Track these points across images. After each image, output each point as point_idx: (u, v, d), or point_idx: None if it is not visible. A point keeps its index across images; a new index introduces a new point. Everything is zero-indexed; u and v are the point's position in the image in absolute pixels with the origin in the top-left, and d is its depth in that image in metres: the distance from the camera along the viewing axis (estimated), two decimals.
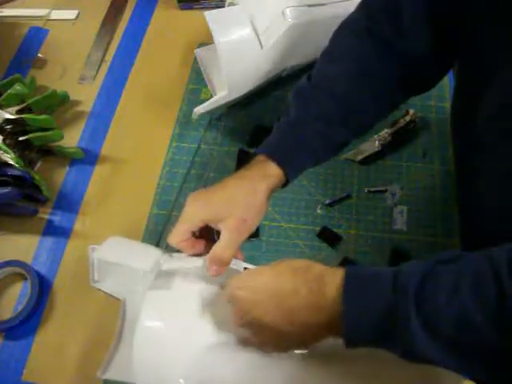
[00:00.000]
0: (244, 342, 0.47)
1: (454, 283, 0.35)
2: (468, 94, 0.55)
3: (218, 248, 0.48)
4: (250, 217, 0.49)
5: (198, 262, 0.49)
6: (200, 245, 0.51)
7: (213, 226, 0.49)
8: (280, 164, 0.51)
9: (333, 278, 0.39)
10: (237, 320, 0.45)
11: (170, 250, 0.63)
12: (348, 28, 0.55)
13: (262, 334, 0.45)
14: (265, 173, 0.51)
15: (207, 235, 0.51)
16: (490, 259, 0.35)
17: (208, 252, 0.49)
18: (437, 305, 0.35)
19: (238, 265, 0.50)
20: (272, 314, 0.42)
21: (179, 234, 0.49)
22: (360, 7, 0.55)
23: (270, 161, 0.51)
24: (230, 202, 0.49)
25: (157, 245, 0.64)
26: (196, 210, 0.49)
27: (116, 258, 0.53)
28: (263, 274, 0.45)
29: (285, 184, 0.53)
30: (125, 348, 0.53)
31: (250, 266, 0.51)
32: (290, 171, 0.52)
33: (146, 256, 0.51)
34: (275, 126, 0.54)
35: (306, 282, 0.41)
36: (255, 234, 0.64)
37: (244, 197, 0.49)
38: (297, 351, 0.47)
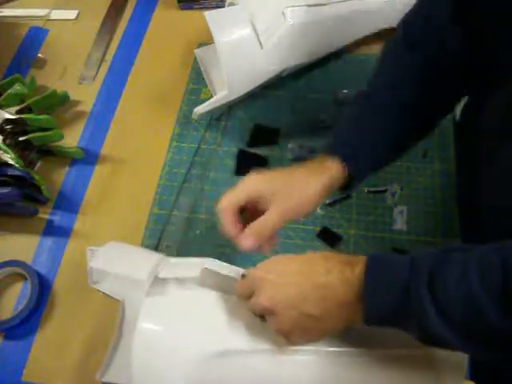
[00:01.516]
0: (270, 331, 0.46)
1: (463, 267, 0.37)
2: (475, 95, 0.55)
3: (263, 221, 0.49)
4: (300, 206, 0.50)
5: (195, 271, 0.49)
6: (239, 226, 0.50)
7: (262, 203, 0.49)
8: (341, 158, 0.51)
9: (360, 261, 0.42)
10: (264, 304, 0.44)
11: (170, 249, 0.64)
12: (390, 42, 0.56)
13: (289, 319, 0.43)
14: (324, 168, 0.51)
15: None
16: (498, 248, 0.37)
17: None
18: (446, 286, 0.37)
19: (236, 272, 0.50)
20: (304, 293, 0.42)
21: (231, 198, 0.50)
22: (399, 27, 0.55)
23: (330, 156, 0.51)
24: (285, 185, 0.50)
25: (157, 244, 0.64)
26: (255, 181, 0.50)
27: (112, 268, 0.53)
28: (293, 259, 0.46)
29: (349, 184, 0.53)
30: (123, 350, 0.53)
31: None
32: (351, 166, 0.51)
33: (144, 264, 0.51)
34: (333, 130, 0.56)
35: (337, 264, 0.43)
36: None
37: (300, 185, 0.50)
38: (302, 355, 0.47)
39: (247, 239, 0.49)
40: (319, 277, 0.43)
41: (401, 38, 0.54)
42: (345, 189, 0.54)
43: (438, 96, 0.54)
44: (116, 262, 0.53)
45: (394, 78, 0.54)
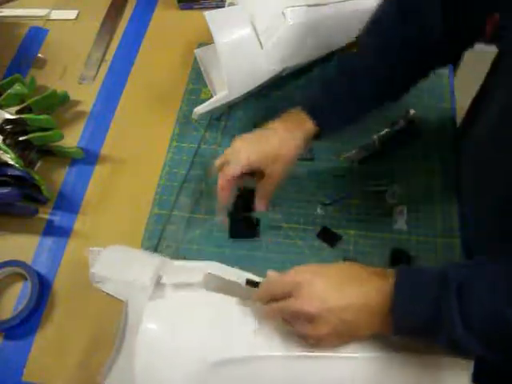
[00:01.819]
0: (300, 338, 0.47)
1: (491, 281, 0.39)
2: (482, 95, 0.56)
3: (264, 186, 0.58)
4: (291, 163, 0.58)
5: (199, 276, 0.49)
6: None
7: (262, 168, 0.56)
8: (313, 116, 0.57)
9: (391, 273, 0.44)
10: (306, 309, 0.44)
11: (170, 249, 0.64)
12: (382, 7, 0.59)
13: (328, 325, 0.44)
14: (300, 124, 0.58)
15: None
16: None
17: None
18: (475, 300, 0.39)
19: (239, 275, 0.50)
20: (346, 301, 0.44)
21: (227, 175, 0.56)
22: None
23: (304, 113, 0.58)
24: (276, 149, 0.56)
25: (157, 244, 0.64)
26: (245, 153, 0.56)
27: (114, 274, 0.53)
28: (330, 268, 0.47)
29: (318, 135, 0.59)
30: (126, 353, 0.53)
31: (253, 277, 0.51)
32: (324, 124, 0.58)
33: (146, 269, 0.51)
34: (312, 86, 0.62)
35: (372, 274, 0.45)
36: (255, 234, 0.64)
37: (287, 148, 0.57)
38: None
39: (259, 205, 0.59)
40: (359, 286, 0.44)
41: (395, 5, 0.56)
42: (317, 138, 0.60)
43: (417, 65, 0.57)
44: (117, 267, 0.53)
45: (383, 42, 0.57)
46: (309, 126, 0.57)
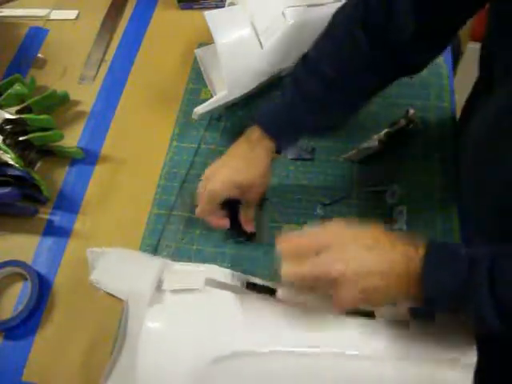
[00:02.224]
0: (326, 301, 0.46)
1: None
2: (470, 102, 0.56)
3: (245, 212, 0.61)
4: (263, 182, 0.60)
5: (199, 280, 0.49)
6: (224, 220, 0.62)
7: (238, 196, 0.59)
8: (273, 138, 0.59)
9: (421, 243, 0.44)
10: (337, 267, 0.43)
11: (170, 249, 0.64)
12: (343, 12, 0.58)
13: (355, 287, 0.44)
14: (263, 145, 0.59)
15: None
16: None
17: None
18: (505, 280, 0.39)
19: (239, 278, 0.50)
20: (371, 266, 0.44)
21: (206, 210, 0.60)
22: None
23: (265, 134, 0.59)
24: (250, 177, 0.58)
25: (157, 244, 0.64)
26: (220, 188, 0.58)
27: (114, 280, 0.53)
28: (358, 232, 0.47)
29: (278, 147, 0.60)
30: (128, 354, 0.53)
31: (253, 280, 0.51)
32: (282, 144, 0.60)
33: (146, 273, 0.51)
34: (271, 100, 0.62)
35: (400, 242, 0.45)
36: (252, 239, 0.64)
37: (255, 166, 0.58)
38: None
39: (247, 227, 0.62)
40: (386, 253, 0.44)
41: (358, 15, 0.55)
42: (279, 151, 0.61)
43: (374, 79, 0.58)
44: (117, 272, 0.53)
45: (337, 51, 0.57)
46: (266, 142, 0.59)
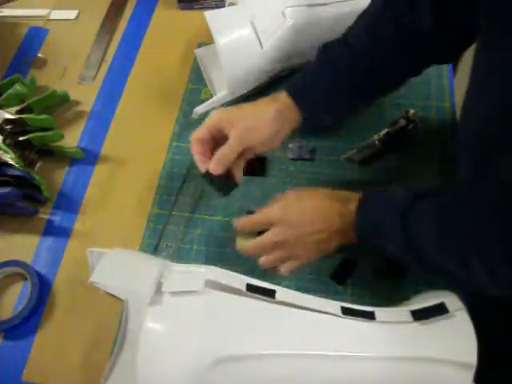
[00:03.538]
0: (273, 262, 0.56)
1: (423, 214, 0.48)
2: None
3: (222, 148, 0.56)
4: (255, 129, 0.57)
5: (199, 282, 0.49)
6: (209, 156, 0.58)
7: (225, 131, 0.56)
8: (290, 94, 0.59)
9: (354, 199, 0.54)
10: (275, 237, 0.54)
11: (170, 249, 0.64)
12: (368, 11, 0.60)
13: (293, 246, 0.55)
14: (275, 98, 0.59)
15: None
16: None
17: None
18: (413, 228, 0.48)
19: (239, 279, 0.50)
20: (314, 225, 0.54)
21: (197, 132, 0.57)
22: None
23: (282, 91, 0.59)
24: (242, 113, 0.58)
25: (157, 244, 0.64)
26: (215, 115, 0.57)
27: (114, 282, 0.53)
28: (303, 197, 0.56)
29: (304, 122, 0.60)
30: (127, 355, 0.53)
31: (253, 281, 0.51)
32: (300, 101, 0.59)
33: (146, 275, 0.51)
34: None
35: (336, 203, 0.55)
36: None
37: (254, 111, 0.58)
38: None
39: (214, 165, 0.55)
40: (324, 214, 0.55)
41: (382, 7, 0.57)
42: (304, 127, 0.61)
43: (410, 55, 0.58)
44: (117, 275, 0.53)
45: (372, 30, 0.58)
46: (293, 111, 0.58)
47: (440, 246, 0.46)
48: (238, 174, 0.59)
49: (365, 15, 0.60)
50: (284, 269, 0.56)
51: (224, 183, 0.59)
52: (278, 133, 0.58)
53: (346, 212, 0.54)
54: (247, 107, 0.58)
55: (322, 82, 0.59)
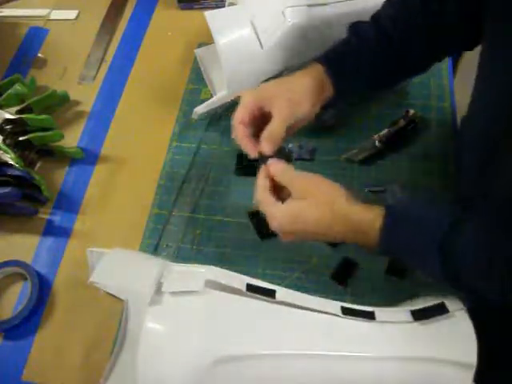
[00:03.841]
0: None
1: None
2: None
3: (270, 126, 0.53)
4: (298, 102, 0.55)
5: (199, 282, 0.49)
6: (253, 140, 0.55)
7: (266, 109, 0.54)
8: (324, 66, 0.58)
9: (373, 229, 0.49)
10: (289, 228, 0.51)
11: (170, 249, 0.64)
12: None
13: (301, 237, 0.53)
14: (308, 71, 0.58)
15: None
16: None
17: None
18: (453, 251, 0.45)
19: (239, 279, 0.50)
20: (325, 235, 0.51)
21: (237, 115, 0.54)
22: None
23: (313, 64, 0.59)
24: (280, 88, 0.56)
25: (157, 244, 0.64)
26: (251, 94, 0.55)
27: (114, 282, 0.53)
28: (307, 215, 0.50)
29: (336, 94, 0.58)
30: (127, 355, 0.53)
31: (253, 281, 0.51)
32: (333, 73, 0.58)
33: (146, 275, 0.51)
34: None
35: (349, 232, 0.50)
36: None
37: (292, 85, 0.56)
38: None
39: (264, 145, 0.53)
40: (342, 226, 0.50)
41: None
42: (334, 100, 0.59)
43: (435, 44, 0.58)
44: (117, 275, 0.53)
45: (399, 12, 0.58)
46: (319, 68, 0.57)
47: (481, 274, 0.44)
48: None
49: None
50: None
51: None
52: (315, 106, 0.57)
53: (365, 230, 0.49)
54: (283, 82, 0.57)
55: (351, 57, 0.58)
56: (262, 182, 0.53)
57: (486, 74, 0.51)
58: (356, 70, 0.59)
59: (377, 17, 0.60)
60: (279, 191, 0.53)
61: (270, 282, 0.51)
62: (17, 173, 0.66)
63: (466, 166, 0.59)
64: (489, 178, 0.52)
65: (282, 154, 0.57)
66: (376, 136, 0.68)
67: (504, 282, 0.43)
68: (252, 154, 0.54)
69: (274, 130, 0.53)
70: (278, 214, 0.51)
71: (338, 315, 0.49)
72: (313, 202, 0.50)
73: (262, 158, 0.53)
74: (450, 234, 0.45)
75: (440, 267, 0.45)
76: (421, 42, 0.58)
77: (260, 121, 0.55)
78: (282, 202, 0.51)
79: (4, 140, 0.68)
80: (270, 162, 0.53)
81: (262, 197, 0.52)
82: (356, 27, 0.60)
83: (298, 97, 0.55)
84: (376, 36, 0.58)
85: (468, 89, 0.64)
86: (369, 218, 0.49)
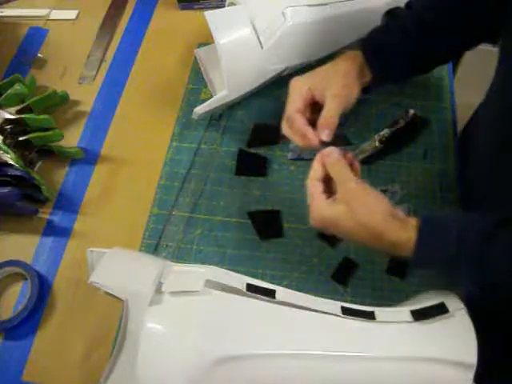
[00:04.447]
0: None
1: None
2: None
3: (326, 112, 0.54)
4: (348, 87, 0.56)
5: (200, 282, 0.49)
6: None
7: (318, 97, 0.55)
8: (364, 51, 0.59)
9: (412, 229, 0.47)
10: (335, 221, 0.50)
11: (170, 249, 0.64)
12: None
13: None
14: (349, 56, 0.59)
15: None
16: None
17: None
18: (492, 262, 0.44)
19: (239, 280, 0.50)
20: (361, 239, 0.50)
21: (292, 107, 0.55)
22: None
23: (366, 62, 0.59)
24: (327, 75, 0.56)
25: (157, 244, 0.64)
26: (301, 84, 0.56)
27: (113, 282, 0.53)
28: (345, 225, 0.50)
29: (373, 79, 0.59)
30: (127, 355, 0.53)
31: (253, 281, 0.51)
32: (369, 55, 0.59)
33: (146, 275, 0.51)
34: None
35: (392, 231, 0.48)
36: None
37: (337, 72, 0.57)
38: None
39: (323, 134, 0.54)
40: (376, 241, 0.49)
41: None
42: (371, 86, 0.60)
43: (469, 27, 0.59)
44: (117, 275, 0.53)
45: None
46: (358, 53, 0.58)
47: None
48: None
49: None
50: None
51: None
52: (358, 92, 0.58)
53: (402, 244, 0.48)
54: (327, 69, 0.58)
55: (389, 42, 0.59)
56: (315, 168, 0.52)
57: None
58: (394, 56, 0.59)
59: (413, 3, 0.60)
60: (329, 181, 0.52)
61: (270, 282, 0.51)
62: (17, 173, 0.66)
63: (483, 142, 0.59)
64: (506, 165, 0.52)
65: (339, 139, 0.57)
66: (376, 136, 0.68)
67: None
68: (314, 142, 0.54)
69: (331, 115, 0.54)
70: (316, 212, 0.50)
71: (337, 315, 0.49)
72: (350, 212, 0.49)
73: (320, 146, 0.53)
74: (488, 245, 0.43)
75: (477, 278, 0.44)
76: (456, 28, 0.58)
77: (311, 108, 0.56)
78: (328, 195, 0.51)
79: (4, 140, 0.68)
80: (328, 150, 0.52)
81: (311, 185, 0.52)
82: (393, 13, 0.61)
83: (347, 81, 0.56)
84: (413, 22, 0.58)
85: (468, 89, 0.65)
86: (404, 237, 0.47)
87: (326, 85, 0.55)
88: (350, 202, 0.49)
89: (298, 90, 0.55)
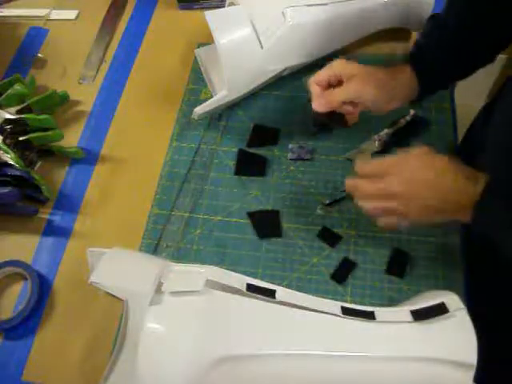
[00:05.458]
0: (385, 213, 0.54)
1: None
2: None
3: (336, 90, 0.58)
4: (372, 86, 0.59)
5: (200, 282, 0.49)
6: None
7: (344, 80, 0.58)
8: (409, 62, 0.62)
9: (481, 180, 0.49)
10: (397, 189, 0.52)
11: (170, 249, 0.64)
12: None
13: (414, 205, 0.52)
14: (395, 69, 0.62)
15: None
16: None
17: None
18: None
19: (240, 279, 0.50)
20: (430, 194, 0.51)
21: (318, 75, 0.59)
22: None
23: (414, 73, 0.62)
24: (365, 70, 0.59)
25: (157, 244, 0.64)
26: (340, 63, 0.59)
27: (113, 282, 0.53)
28: (426, 164, 0.54)
29: (422, 90, 0.63)
30: (127, 355, 0.53)
31: (253, 281, 0.51)
32: (418, 66, 0.62)
33: (146, 275, 0.51)
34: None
35: (462, 178, 0.51)
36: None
37: (375, 72, 0.60)
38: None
39: (317, 102, 0.58)
40: (446, 189, 0.51)
41: None
42: (420, 97, 0.64)
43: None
44: (117, 275, 0.53)
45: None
46: (406, 69, 0.62)
47: None
48: (351, 120, 0.64)
49: None
50: (383, 221, 0.55)
51: (336, 121, 0.63)
52: (393, 99, 0.61)
53: (471, 193, 0.49)
54: (371, 67, 0.60)
55: (433, 48, 0.62)
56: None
57: None
58: (439, 63, 0.62)
59: (450, 9, 0.62)
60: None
61: (270, 282, 0.51)
62: (17, 173, 0.66)
63: (494, 131, 0.60)
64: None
65: (336, 115, 0.61)
66: (376, 136, 0.68)
67: None
68: (317, 108, 0.58)
69: (335, 93, 0.58)
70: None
71: (338, 315, 0.49)
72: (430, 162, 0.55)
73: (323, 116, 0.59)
74: None
75: None
76: (494, 30, 0.60)
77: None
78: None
79: (4, 140, 0.68)
80: None
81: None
82: (436, 20, 0.63)
83: (375, 82, 0.59)
84: (454, 27, 0.60)
85: (468, 89, 0.65)
86: (472, 190, 0.49)
87: (355, 75, 0.58)
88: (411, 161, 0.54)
89: (334, 66, 0.59)
